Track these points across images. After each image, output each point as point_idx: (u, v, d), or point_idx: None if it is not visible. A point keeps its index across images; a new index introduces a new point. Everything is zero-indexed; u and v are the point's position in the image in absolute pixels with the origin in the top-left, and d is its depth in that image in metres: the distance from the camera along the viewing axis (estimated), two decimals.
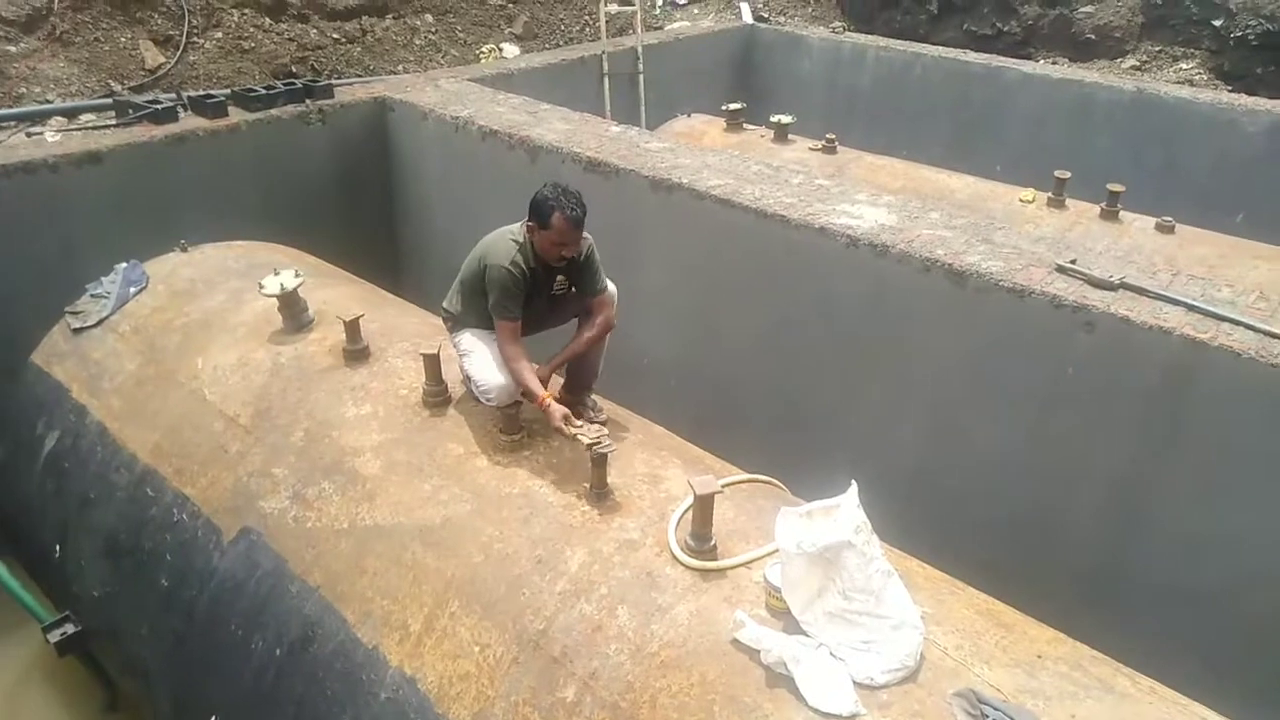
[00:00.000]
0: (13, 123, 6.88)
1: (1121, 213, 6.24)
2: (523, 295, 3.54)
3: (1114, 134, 8.08)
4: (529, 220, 3.50)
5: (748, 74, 10.51)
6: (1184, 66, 10.75)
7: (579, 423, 3.43)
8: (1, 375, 4.84)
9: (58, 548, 4.35)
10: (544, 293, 3.65)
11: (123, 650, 4.19)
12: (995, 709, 2.45)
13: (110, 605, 4.11)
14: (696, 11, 12.68)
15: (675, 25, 11.93)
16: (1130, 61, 11.08)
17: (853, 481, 2.72)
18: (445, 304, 3.86)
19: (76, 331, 4.67)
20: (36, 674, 5.04)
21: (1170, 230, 6.05)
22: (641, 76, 9.31)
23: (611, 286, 3.80)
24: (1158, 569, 4.20)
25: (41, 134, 6.28)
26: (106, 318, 4.66)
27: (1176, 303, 4.08)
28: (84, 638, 4.34)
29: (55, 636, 4.31)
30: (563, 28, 11.94)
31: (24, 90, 7.83)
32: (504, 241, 3.56)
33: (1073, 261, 4.38)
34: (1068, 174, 6.43)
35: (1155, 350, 3.95)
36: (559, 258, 3.51)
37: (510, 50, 11.06)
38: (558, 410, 3.43)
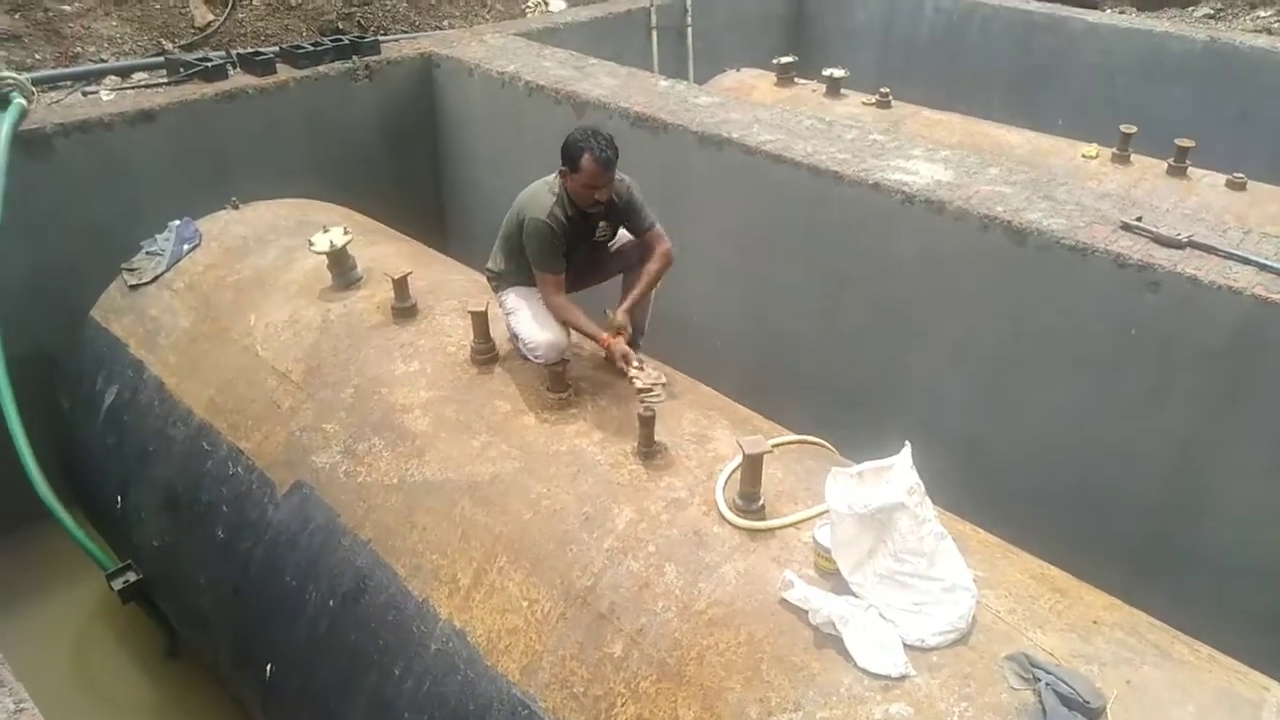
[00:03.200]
0: (69, 82, 6.98)
1: (1190, 169, 6.01)
2: (563, 246, 3.51)
3: (1184, 86, 7.74)
4: (561, 165, 3.46)
5: (800, 27, 10.26)
6: (1261, 14, 10.24)
7: (638, 362, 3.41)
8: (63, 330, 4.96)
9: (119, 499, 4.47)
10: (586, 240, 3.62)
11: (182, 599, 4.32)
12: (1049, 673, 2.41)
13: (169, 555, 4.23)
14: None
15: None
16: (1203, 9, 10.59)
17: (906, 442, 2.66)
18: (489, 264, 3.84)
19: (133, 288, 4.75)
20: (102, 620, 5.22)
21: (1242, 187, 5.81)
22: (690, 30, 9.14)
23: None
24: (1223, 542, 4.08)
25: (97, 93, 6.36)
26: (161, 275, 4.73)
27: (1247, 262, 3.92)
28: (145, 586, 4.47)
29: (118, 584, 4.45)
30: None
31: (79, 50, 7.93)
32: (541, 193, 3.53)
33: (1138, 219, 4.22)
34: (1134, 128, 6.19)
35: (1224, 311, 3.81)
36: (593, 202, 3.47)
37: (556, 4, 10.91)
38: (619, 347, 3.44)
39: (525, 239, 3.51)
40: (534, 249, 3.50)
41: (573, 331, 3.65)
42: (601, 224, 3.64)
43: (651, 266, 3.70)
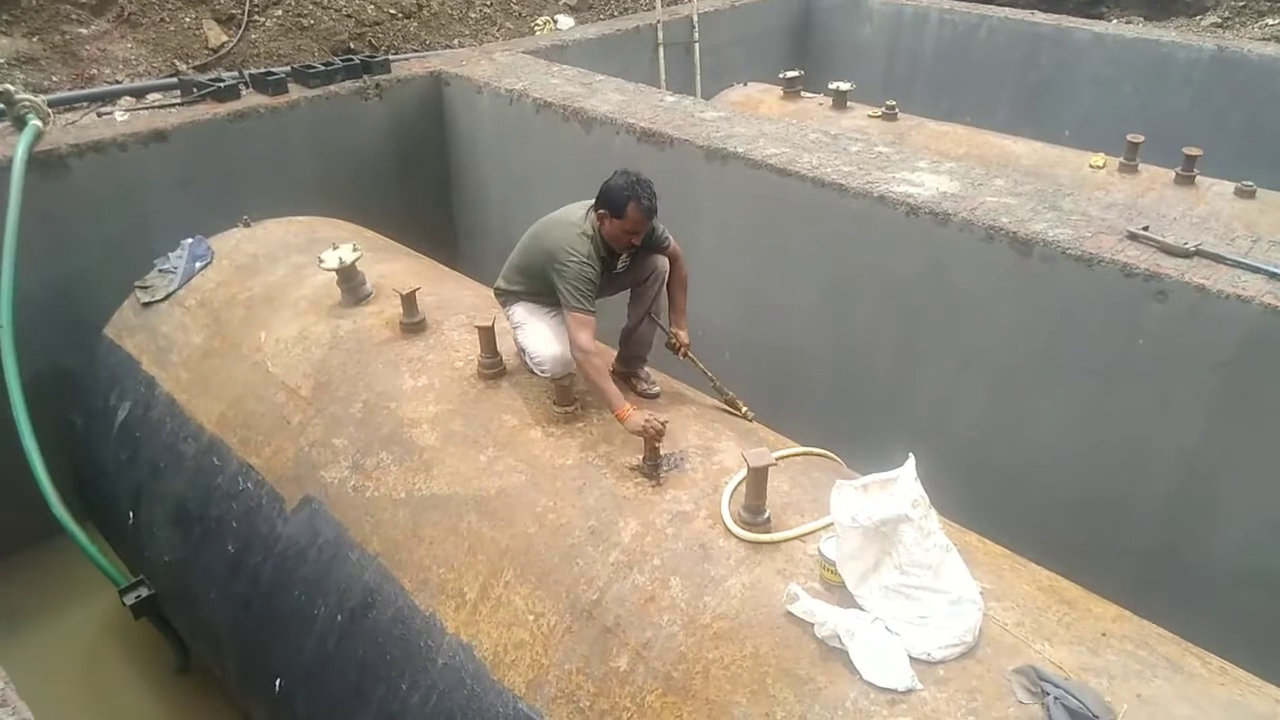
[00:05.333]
0: (84, 103, 7.09)
1: (1198, 177, 6.00)
2: (598, 287, 3.53)
3: (1192, 95, 7.74)
4: (599, 209, 3.45)
5: (806, 41, 10.31)
6: (1270, 22, 10.23)
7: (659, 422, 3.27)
8: (77, 347, 5.01)
9: (131, 514, 4.50)
10: (608, 272, 3.63)
11: (193, 614, 4.34)
12: (1057, 686, 2.39)
13: (180, 570, 4.25)
14: None
15: None
16: (1211, 18, 10.58)
17: (910, 454, 2.66)
18: (499, 283, 3.85)
19: (146, 305, 4.80)
20: (113, 635, 5.25)
21: (1251, 195, 5.79)
22: (697, 45, 9.19)
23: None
24: (1232, 551, 4.05)
25: (111, 114, 6.44)
26: (174, 292, 4.77)
27: (1256, 270, 3.90)
28: (157, 601, 4.50)
29: (130, 599, 4.47)
30: None
31: (95, 71, 8.05)
32: (574, 237, 3.49)
33: (1145, 228, 4.21)
34: (1141, 138, 6.19)
35: (1232, 320, 3.79)
36: (628, 245, 3.51)
37: (565, 21, 11.01)
38: (639, 418, 3.27)
39: (561, 278, 3.46)
40: (572, 288, 3.44)
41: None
42: (623, 257, 3.67)
43: (682, 277, 3.80)
